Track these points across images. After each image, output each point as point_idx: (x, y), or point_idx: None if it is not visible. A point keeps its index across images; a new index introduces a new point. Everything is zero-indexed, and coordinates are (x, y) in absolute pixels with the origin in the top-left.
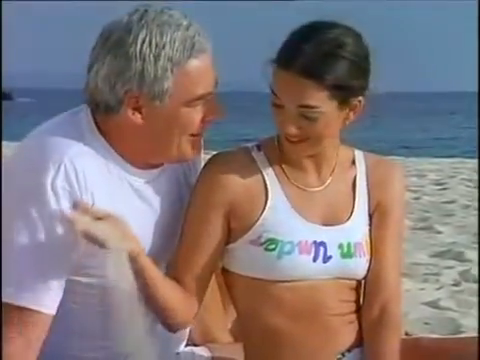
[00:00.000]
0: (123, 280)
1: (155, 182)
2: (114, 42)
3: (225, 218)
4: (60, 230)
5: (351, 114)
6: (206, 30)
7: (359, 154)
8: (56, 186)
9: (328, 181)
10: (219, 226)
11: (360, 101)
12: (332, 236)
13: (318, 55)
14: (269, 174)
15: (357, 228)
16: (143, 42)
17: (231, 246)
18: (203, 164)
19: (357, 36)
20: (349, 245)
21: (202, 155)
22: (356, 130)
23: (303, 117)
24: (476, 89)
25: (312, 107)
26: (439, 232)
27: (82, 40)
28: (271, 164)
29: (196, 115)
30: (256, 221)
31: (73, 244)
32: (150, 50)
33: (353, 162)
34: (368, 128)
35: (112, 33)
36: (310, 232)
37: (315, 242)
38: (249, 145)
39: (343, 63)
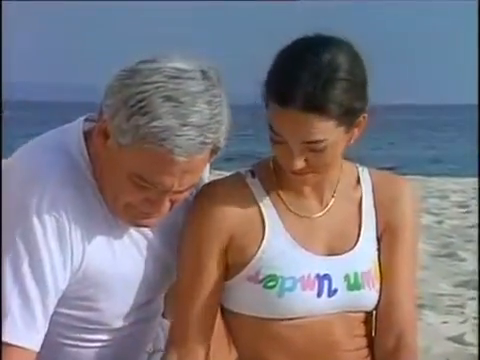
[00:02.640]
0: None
1: None
2: (116, 80)
3: (222, 254)
4: (46, 258)
5: (356, 131)
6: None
7: (364, 171)
8: (41, 211)
9: (330, 203)
10: (216, 264)
11: (364, 117)
12: (337, 267)
13: (317, 85)
14: (265, 203)
15: (364, 255)
16: (136, 95)
17: (228, 283)
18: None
19: (348, 49)
20: (356, 276)
21: (207, 174)
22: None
23: (309, 150)
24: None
25: (320, 141)
26: (463, 259)
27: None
28: (267, 191)
29: (131, 192)
30: (253, 256)
31: (61, 274)
32: (133, 106)
33: (358, 181)
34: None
35: (123, 73)
36: (313, 265)
37: (318, 275)
38: (242, 171)
39: (343, 86)
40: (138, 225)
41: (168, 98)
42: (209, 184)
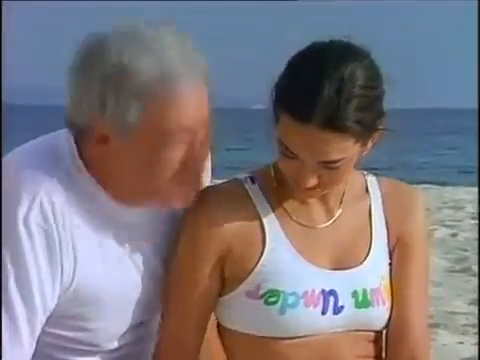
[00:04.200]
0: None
1: (147, 217)
2: (84, 54)
3: (218, 267)
4: (34, 274)
5: (370, 143)
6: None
7: (372, 180)
8: (29, 222)
9: (337, 213)
10: (211, 278)
11: (380, 129)
12: (344, 283)
13: (338, 104)
14: (266, 211)
15: (374, 271)
16: (110, 63)
17: (225, 298)
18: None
19: (366, 60)
20: (365, 292)
21: (208, 180)
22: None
23: (324, 168)
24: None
25: (337, 161)
26: (477, 275)
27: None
28: (268, 199)
29: (174, 159)
30: (253, 269)
31: (49, 291)
32: (114, 72)
33: (366, 189)
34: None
35: (84, 47)
36: (317, 279)
37: (323, 291)
38: (241, 177)
39: (364, 103)
40: (187, 199)
41: (137, 42)
42: (205, 190)
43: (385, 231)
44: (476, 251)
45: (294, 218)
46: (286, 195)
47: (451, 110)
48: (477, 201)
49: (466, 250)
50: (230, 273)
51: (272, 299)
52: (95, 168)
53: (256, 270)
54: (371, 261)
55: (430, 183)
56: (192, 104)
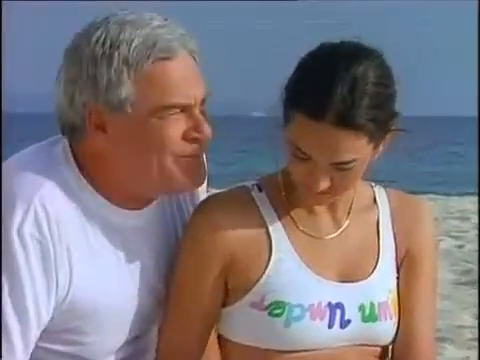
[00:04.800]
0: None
1: (146, 224)
2: (70, 46)
3: (222, 276)
4: (28, 287)
5: (381, 147)
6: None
7: (380, 191)
8: (23, 233)
9: (345, 224)
10: (215, 289)
11: (392, 131)
12: (351, 296)
13: (352, 100)
14: (273, 220)
15: (382, 284)
16: (96, 42)
17: (228, 309)
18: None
19: (378, 60)
20: (372, 306)
21: (204, 188)
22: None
23: (336, 170)
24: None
25: (350, 161)
26: None
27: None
28: (275, 208)
29: (171, 129)
30: (258, 279)
31: (44, 304)
32: (103, 52)
33: (374, 201)
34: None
35: (73, 38)
36: (324, 292)
37: (330, 304)
38: (248, 184)
39: (377, 101)
40: (195, 173)
41: (120, 24)
42: (210, 198)
43: (393, 244)
44: None
45: (301, 228)
46: (294, 204)
47: (455, 118)
48: None
49: (472, 262)
50: (234, 283)
51: (277, 311)
52: (93, 169)
53: (261, 281)
54: (379, 274)
55: (435, 193)
56: (185, 70)
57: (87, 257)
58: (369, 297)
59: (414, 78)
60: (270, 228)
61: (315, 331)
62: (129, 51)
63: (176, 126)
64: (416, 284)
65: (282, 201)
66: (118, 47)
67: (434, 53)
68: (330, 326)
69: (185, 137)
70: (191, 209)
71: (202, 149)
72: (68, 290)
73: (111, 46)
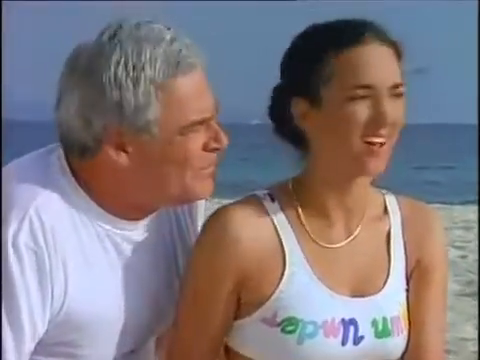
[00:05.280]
0: None
1: (143, 236)
2: (84, 68)
3: (235, 291)
4: (23, 299)
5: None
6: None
7: (392, 199)
8: (18, 243)
9: (356, 232)
10: (228, 301)
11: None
12: (364, 311)
13: (374, 24)
14: (286, 232)
15: (394, 298)
16: (117, 64)
17: (239, 322)
18: (203, 218)
19: None
20: (385, 321)
21: (203, 201)
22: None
23: (392, 98)
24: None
25: (400, 84)
26: None
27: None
28: (288, 218)
29: (195, 144)
30: (271, 294)
31: (39, 317)
32: (127, 74)
33: (385, 210)
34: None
35: (80, 57)
36: (337, 308)
37: (343, 320)
38: (259, 193)
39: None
40: (210, 183)
41: (135, 41)
42: (223, 209)
43: (403, 255)
44: None
45: (314, 237)
46: (307, 213)
47: (457, 125)
48: None
49: (475, 273)
50: (247, 298)
51: (290, 328)
52: (91, 184)
53: (274, 296)
54: (390, 288)
55: (439, 202)
56: (203, 83)
57: (83, 268)
58: (381, 312)
59: (412, 85)
60: (283, 240)
61: (328, 348)
62: (155, 72)
63: (197, 140)
64: (426, 295)
65: (295, 210)
66: (143, 68)
67: (434, 55)
68: (343, 343)
69: (205, 148)
70: (189, 220)
71: (218, 158)
72: (63, 302)
73: (134, 68)
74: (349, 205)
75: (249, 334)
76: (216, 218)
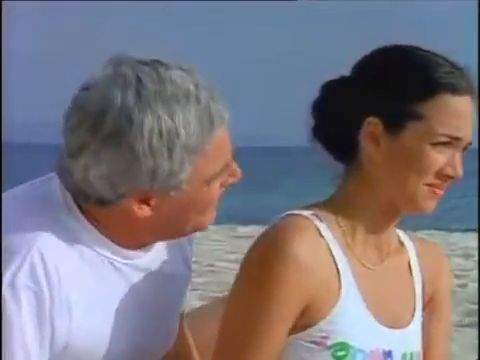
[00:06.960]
0: None
1: (151, 265)
2: (110, 131)
3: (298, 313)
4: (19, 340)
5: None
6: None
7: (401, 233)
8: (17, 284)
9: (387, 261)
10: (285, 332)
11: None
12: (398, 344)
13: (463, 69)
14: (339, 254)
15: (418, 332)
16: (151, 133)
17: (287, 340)
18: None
19: None
20: (412, 356)
21: None
22: None
23: (462, 151)
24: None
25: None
26: None
27: None
28: (336, 238)
29: (217, 188)
30: (324, 317)
31: (35, 356)
32: (162, 143)
33: (400, 242)
34: None
35: (104, 118)
36: (380, 338)
37: (384, 351)
38: (307, 214)
39: None
40: (215, 213)
41: (164, 102)
42: (285, 227)
43: (421, 290)
44: None
45: (360, 259)
46: (350, 234)
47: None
48: None
49: (476, 302)
50: (302, 320)
51: (341, 353)
52: (100, 221)
53: (328, 319)
54: (416, 321)
55: (436, 229)
56: (228, 140)
57: (88, 304)
58: (409, 346)
59: None
60: (339, 264)
61: None
62: (189, 138)
63: (218, 183)
64: (437, 330)
65: (340, 232)
66: (178, 136)
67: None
68: None
69: (222, 185)
70: (186, 242)
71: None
72: (67, 340)
73: (169, 135)
74: (384, 232)
75: (296, 353)
76: (280, 236)
